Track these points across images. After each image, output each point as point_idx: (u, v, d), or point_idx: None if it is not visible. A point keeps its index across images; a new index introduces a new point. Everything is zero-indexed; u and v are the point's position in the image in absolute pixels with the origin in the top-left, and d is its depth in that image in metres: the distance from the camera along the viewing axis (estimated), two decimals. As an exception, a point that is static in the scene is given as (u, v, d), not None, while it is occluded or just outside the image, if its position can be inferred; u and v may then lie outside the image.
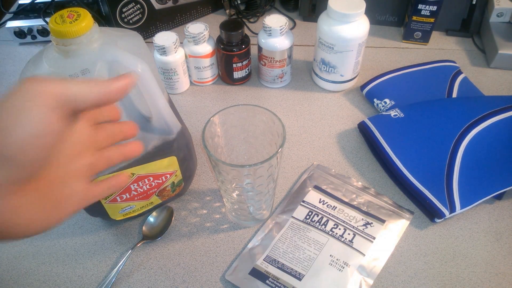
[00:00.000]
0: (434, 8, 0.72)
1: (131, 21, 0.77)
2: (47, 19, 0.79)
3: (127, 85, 0.29)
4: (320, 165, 0.60)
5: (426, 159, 0.56)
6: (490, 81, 0.71)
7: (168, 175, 0.50)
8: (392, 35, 0.82)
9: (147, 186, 0.50)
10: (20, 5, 0.84)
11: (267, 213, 0.54)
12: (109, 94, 0.28)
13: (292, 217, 0.53)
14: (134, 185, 0.48)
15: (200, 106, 0.69)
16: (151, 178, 0.49)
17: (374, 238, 0.51)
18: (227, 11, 0.86)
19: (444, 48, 0.78)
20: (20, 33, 0.80)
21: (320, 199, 0.54)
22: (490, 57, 0.74)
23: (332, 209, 0.53)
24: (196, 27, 0.66)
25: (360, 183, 0.57)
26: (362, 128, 0.62)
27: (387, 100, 0.66)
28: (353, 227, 0.51)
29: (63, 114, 0.26)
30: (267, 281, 0.47)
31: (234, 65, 0.69)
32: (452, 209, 0.52)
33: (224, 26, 0.65)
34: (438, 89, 0.67)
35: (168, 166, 0.49)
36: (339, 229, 0.51)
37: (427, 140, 0.58)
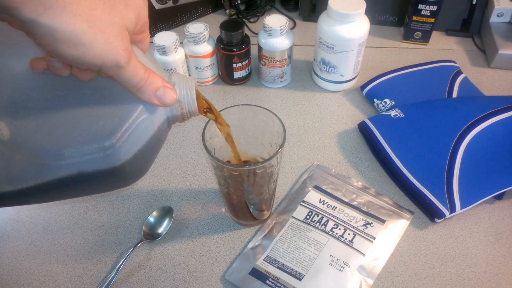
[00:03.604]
0: (434, 8, 0.72)
1: (131, 21, 0.77)
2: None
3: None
4: (320, 165, 0.60)
5: (426, 159, 0.56)
6: (490, 81, 0.71)
7: None
8: (392, 35, 0.82)
9: None
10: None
11: (267, 213, 0.54)
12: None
13: (292, 217, 0.53)
14: None
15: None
16: None
17: (374, 238, 0.51)
18: (227, 11, 0.86)
19: (444, 48, 0.78)
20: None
21: (320, 199, 0.54)
22: (490, 57, 0.74)
23: (332, 209, 0.53)
24: (196, 27, 0.66)
25: (360, 183, 0.57)
26: (362, 128, 0.62)
27: (387, 100, 0.66)
28: (353, 227, 0.51)
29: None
30: (267, 281, 0.47)
31: (234, 65, 0.68)
32: (452, 209, 0.52)
33: (224, 26, 0.65)
34: (438, 89, 0.67)
35: None
36: (339, 229, 0.51)
37: (427, 140, 0.58)
